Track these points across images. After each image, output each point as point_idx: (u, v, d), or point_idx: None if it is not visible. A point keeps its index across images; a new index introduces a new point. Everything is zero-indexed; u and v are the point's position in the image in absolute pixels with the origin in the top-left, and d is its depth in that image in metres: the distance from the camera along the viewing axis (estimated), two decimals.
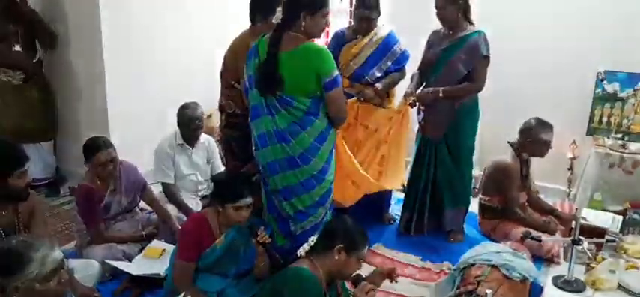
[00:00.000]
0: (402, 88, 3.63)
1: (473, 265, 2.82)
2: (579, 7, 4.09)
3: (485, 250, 2.89)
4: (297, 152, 2.62)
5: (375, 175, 3.42)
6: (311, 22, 2.54)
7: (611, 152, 3.89)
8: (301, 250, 2.33)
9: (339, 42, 3.55)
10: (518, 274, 2.73)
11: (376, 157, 3.41)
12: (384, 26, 3.56)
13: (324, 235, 2.33)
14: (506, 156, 3.54)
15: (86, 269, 2.80)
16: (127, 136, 3.82)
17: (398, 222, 3.83)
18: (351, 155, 3.24)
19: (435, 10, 3.29)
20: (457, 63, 3.27)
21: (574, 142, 4.21)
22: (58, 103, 4.41)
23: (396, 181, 3.51)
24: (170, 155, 3.68)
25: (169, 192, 3.64)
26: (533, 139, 3.47)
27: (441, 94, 3.29)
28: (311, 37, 2.62)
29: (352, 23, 3.61)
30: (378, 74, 3.49)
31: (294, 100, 2.56)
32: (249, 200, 2.58)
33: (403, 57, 3.55)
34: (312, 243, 2.33)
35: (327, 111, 2.66)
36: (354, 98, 3.45)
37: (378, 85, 3.46)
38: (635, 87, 4.03)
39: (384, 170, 3.41)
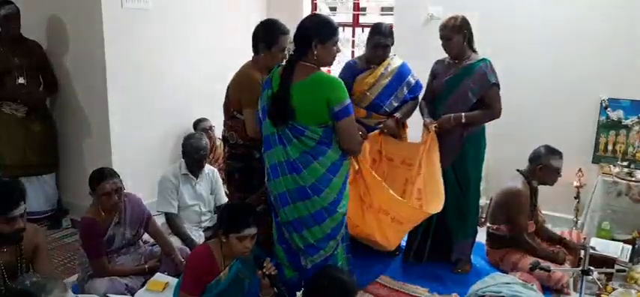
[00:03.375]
0: (412, 118, 3.64)
1: None
2: (583, 35, 4.11)
3: (495, 282, 2.84)
4: (308, 182, 2.59)
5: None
6: (323, 51, 2.56)
7: (618, 180, 3.86)
8: None
9: (352, 72, 3.53)
10: None
11: (413, 192, 3.31)
12: (396, 56, 3.58)
13: (305, 292, 2.24)
14: (517, 182, 3.51)
15: None
16: (130, 168, 3.80)
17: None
18: (378, 178, 3.12)
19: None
20: (466, 91, 3.28)
21: (580, 170, 4.18)
22: (60, 135, 4.41)
23: (438, 204, 3.26)
24: (175, 185, 3.68)
25: (172, 222, 3.62)
26: (543, 166, 3.45)
27: (463, 120, 3.28)
28: (323, 66, 2.64)
29: (364, 52, 3.61)
30: (396, 104, 3.50)
31: (307, 130, 2.55)
32: (253, 230, 2.55)
33: (417, 86, 3.57)
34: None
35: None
36: (376, 131, 3.44)
37: (397, 115, 3.46)
38: (639, 114, 4.03)
39: (423, 202, 3.30)
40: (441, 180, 3.25)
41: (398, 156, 3.48)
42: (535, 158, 3.50)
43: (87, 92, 4.19)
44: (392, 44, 3.49)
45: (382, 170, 3.45)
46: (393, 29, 3.57)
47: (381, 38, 3.42)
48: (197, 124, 4.62)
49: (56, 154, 4.40)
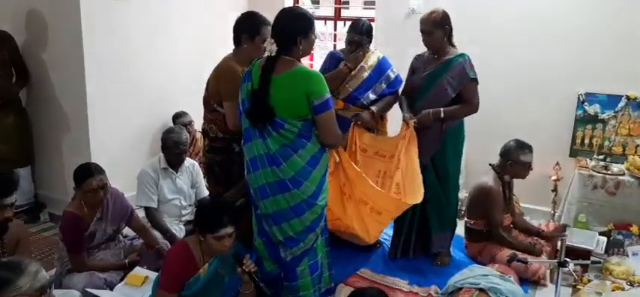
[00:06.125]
0: (392, 112, 3.65)
1: (460, 289, 2.82)
2: (560, 30, 4.16)
3: (473, 274, 2.88)
4: (288, 175, 2.58)
5: None
6: (306, 44, 2.59)
7: (594, 173, 3.92)
8: None
9: (336, 63, 3.55)
10: None
11: (392, 187, 3.33)
12: (376, 51, 3.60)
13: None
14: (488, 178, 3.54)
15: None
16: (108, 162, 3.74)
17: (385, 246, 3.81)
18: (358, 169, 3.16)
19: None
20: (445, 86, 3.29)
21: (557, 164, 4.25)
22: (37, 128, 4.34)
23: (417, 196, 3.29)
24: (154, 179, 3.65)
25: (152, 217, 3.59)
26: (513, 162, 3.48)
27: (442, 115, 3.29)
28: (304, 57, 2.66)
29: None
30: (373, 97, 3.50)
31: (286, 123, 2.54)
32: (229, 230, 2.52)
33: (397, 81, 3.58)
34: None
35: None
36: (351, 123, 3.44)
37: (374, 108, 3.47)
38: (616, 109, 4.09)
39: (402, 195, 3.30)
40: (420, 174, 3.27)
41: (371, 147, 3.49)
42: (505, 154, 3.52)
43: (64, 85, 4.13)
44: (367, 43, 3.49)
45: (355, 160, 3.45)
46: (373, 24, 3.58)
47: (354, 35, 3.45)
48: (176, 118, 4.57)
49: (31, 148, 4.35)
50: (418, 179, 3.26)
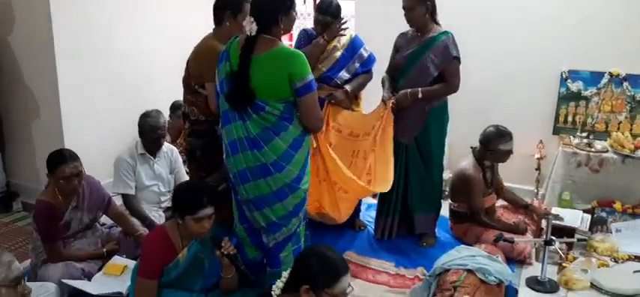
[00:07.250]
0: (368, 90, 3.60)
1: (448, 270, 2.78)
2: (542, 8, 4.12)
3: (460, 255, 2.85)
4: (270, 159, 2.50)
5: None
6: (287, 22, 2.52)
7: (577, 151, 3.91)
8: (274, 290, 2.07)
9: (309, 39, 3.49)
10: (494, 279, 2.71)
11: (365, 168, 3.32)
12: (348, 30, 3.52)
13: (291, 273, 2.07)
14: (467, 163, 3.51)
15: (42, 292, 2.61)
16: (83, 147, 3.62)
17: (369, 228, 3.77)
18: (335, 157, 3.15)
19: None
20: (427, 64, 3.23)
21: (541, 142, 4.24)
22: (7, 114, 4.19)
23: (386, 183, 3.30)
24: (131, 165, 3.54)
25: (130, 204, 3.49)
26: (492, 151, 3.46)
27: (420, 95, 3.24)
28: (284, 35, 2.59)
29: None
30: (347, 76, 3.45)
31: (267, 105, 2.45)
32: (209, 210, 2.46)
33: (370, 59, 3.53)
34: (284, 280, 2.09)
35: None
36: (325, 102, 3.38)
37: (348, 88, 3.42)
38: (598, 85, 4.08)
39: (372, 178, 3.31)
40: (392, 161, 3.28)
41: (346, 127, 3.46)
42: (484, 142, 3.47)
43: (35, 71, 3.98)
44: (333, 22, 3.37)
45: (329, 141, 3.40)
46: (353, 3, 3.51)
47: (319, 16, 3.41)
48: (174, 109, 4.34)
49: (1, 135, 4.21)
50: (390, 167, 3.26)
